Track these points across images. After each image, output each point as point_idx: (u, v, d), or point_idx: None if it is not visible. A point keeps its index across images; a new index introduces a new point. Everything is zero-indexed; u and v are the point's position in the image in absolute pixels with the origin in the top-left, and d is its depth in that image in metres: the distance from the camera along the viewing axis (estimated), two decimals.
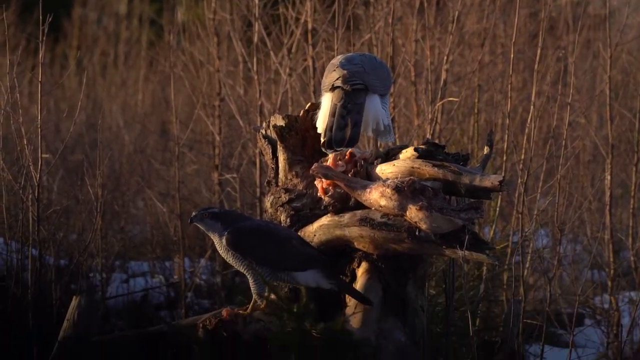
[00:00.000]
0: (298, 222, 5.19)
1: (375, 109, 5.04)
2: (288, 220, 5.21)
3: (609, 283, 7.28)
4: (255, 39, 7.92)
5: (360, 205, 4.97)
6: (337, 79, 5.00)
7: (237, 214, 5.11)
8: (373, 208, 4.90)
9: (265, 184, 5.55)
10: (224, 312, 5.03)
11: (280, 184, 5.29)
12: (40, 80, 6.21)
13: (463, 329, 6.04)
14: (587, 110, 8.92)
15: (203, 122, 8.79)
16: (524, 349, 6.29)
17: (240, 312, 5.01)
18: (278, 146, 5.29)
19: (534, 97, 6.19)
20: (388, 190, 4.80)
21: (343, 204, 5.05)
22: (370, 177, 5.02)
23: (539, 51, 6.24)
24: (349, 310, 4.96)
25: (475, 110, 7.68)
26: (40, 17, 6.20)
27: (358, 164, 5.06)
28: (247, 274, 4.95)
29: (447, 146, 5.07)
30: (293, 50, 7.95)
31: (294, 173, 5.25)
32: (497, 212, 6.86)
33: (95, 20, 16.54)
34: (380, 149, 5.16)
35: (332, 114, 4.98)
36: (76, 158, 10.30)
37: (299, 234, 5.10)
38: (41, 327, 6.05)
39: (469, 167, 4.95)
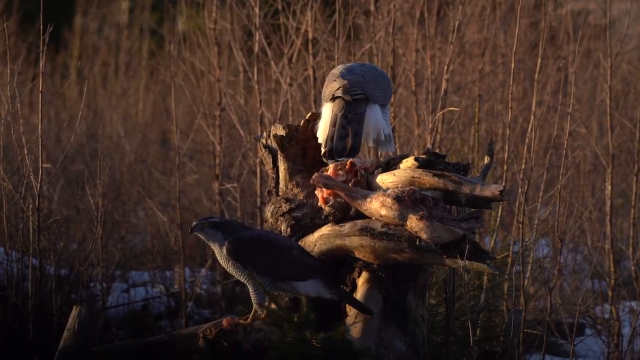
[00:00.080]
0: (298, 232, 5.19)
1: (375, 118, 5.05)
2: (288, 229, 5.21)
3: (610, 293, 7.28)
4: (256, 48, 7.93)
5: (360, 215, 4.97)
6: (338, 89, 5.01)
7: (237, 224, 5.11)
8: (373, 218, 4.90)
9: (265, 193, 5.55)
10: (225, 322, 5.03)
11: (280, 193, 5.29)
12: (41, 89, 6.21)
13: (463, 338, 6.03)
14: (588, 120, 8.92)
15: (204, 131, 8.79)
16: (525, 359, 6.28)
17: (241, 321, 5.00)
18: (279, 156, 5.29)
19: (534, 106, 6.19)
20: (388, 199, 4.80)
21: (343, 213, 5.05)
22: (371, 187, 5.02)
23: (539, 61, 6.25)
24: (349, 320, 4.96)
25: (476, 120, 7.68)
26: (41, 27, 6.21)
27: (358, 173, 5.06)
28: (247, 284, 4.95)
29: (447, 156, 5.07)
30: (294, 59, 7.95)
31: (294, 183, 5.25)
32: (498, 222, 6.86)
33: (96, 30, 16.55)
34: (381, 159, 5.16)
35: (333, 124, 4.98)
36: (77, 168, 10.31)
37: (299, 243, 5.10)
38: (41, 337, 6.05)
39: (469, 176, 4.95)
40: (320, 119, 5.11)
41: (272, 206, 5.30)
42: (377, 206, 4.84)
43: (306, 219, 5.20)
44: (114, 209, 9.27)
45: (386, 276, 5.02)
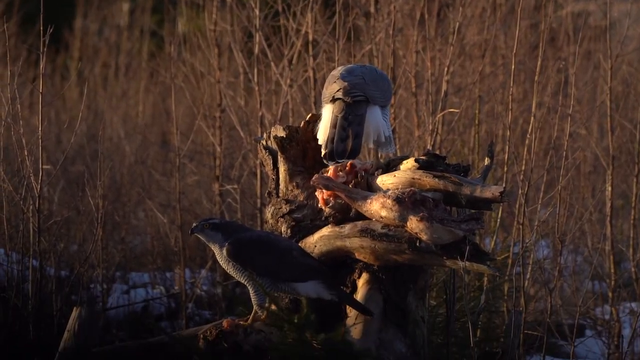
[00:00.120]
0: (299, 233, 5.19)
1: (376, 120, 5.05)
2: (289, 231, 5.21)
3: (610, 294, 7.28)
4: (256, 50, 7.93)
5: (361, 216, 4.97)
6: (338, 91, 5.01)
7: (237, 225, 5.11)
8: (374, 219, 4.90)
9: (266, 194, 5.55)
10: (225, 323, 5.03)
11: (281, 194, 5.29)
12: (41, 91, 6.22)
13: (464, 339, 6.03)
14: (588, 121, 8.92)
15: (204, 133, 8.79)
16: None
17: (241, 322, 5.00)
18: (279, 157, 5.29)
19: (534, 108, 6.19)
20: (389, 201, 4.80)
21: (344, 214, 5.06)
22: (371, 188, 5.02)
23: (539, 62, 6.25)
24: (349, 321, 4.96)
25: (476, 122, 7.68)
26: (42, 29, 6.22)
27: (359, 175, 5.06)
28: (247, 285, 4.95)
29: (447, 157, 5.07)
30: (294, 61, 7.96)
31: (294, 184, 5.25)
32: (498, 223, 6.86)
33: (96, 32, 16.55)
34: (381, 160, 5.16)
35: (334, 126, 4.99)
36: (77, 169, 10.31)
37: (299, 244, 5.10)
38: (42, 338, 6.05)
39: (469, 178, 4.95)
40: (320, 120, 5.11)
41: (273, 207, 5.30)
42: (377, 207, 4.84)
43: (306, 220, 5.20)
44: (114, 210, 9.27)
45: (386, 277, 5.02)
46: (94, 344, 5.29)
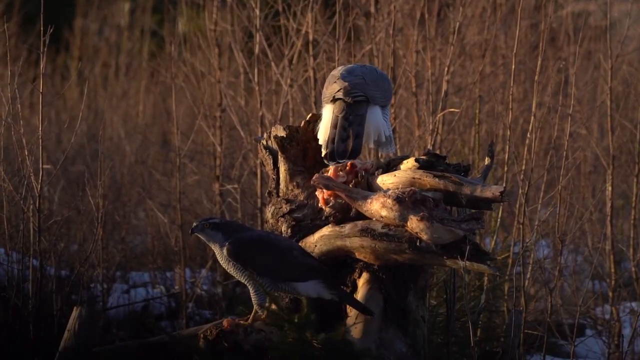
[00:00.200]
0: (299, 233, 5.19)
1: (376, 120, 5.05)
2: (289, 230, 5.21)
3: (610, 294, 7.28)
4: (257, 50, 7.93)
5: (361, 216, 4.98)
6: (338, 91, 5.01)
7: (238, 225, 5.11)
8: (374, 219, 4.90)
9: (266, 194, 5.55)
10: (225, 323, 5.03)
11: (281, 194, 5.29)
12: (41, 91, 6.22)
13: (464, 339, 6.03)
14: (588, 121, 8.92)
15: (204, 132, 8.80)
16: None
17: (241, 322, 5.01)
18: (279, 157, 5.29)
19: (534, 108, 6.19)
20: (389, 200, 4.80)
21: (344, 214, 5.06)
22: (371, 188, 5.03)
23: (539, 62, 6.25)
24: (350, 321, 4.96)
25: (476, 121, 7.68)
26: (42, 28, 6.22)
27: (359, 174, 5.06)
28: (248, 285, 4.96)
29: (448, 157, 5.07)
30: (294, 61, 7.96)
31: (295, 184, 5.25)
32: (498, 223, 6.86)
33: (97, 31, 16.55)
34: (381, 160, 5.16)
35: (334, 126, 4.99)
36: (77, 169, 10.31)
37: (299, 244, 5.10)
38: (42, 338, 6.05)
39: (470, 177, 4.95)
40: (320, 120, 5.12)
41: (273, 207, 5.30)
42: (377, 207, 4.85)
43: (307, 219, 5.20)
44: (114, 210, 9.27)
45: (387, 277, 5.02)
46: (94, 343, 5.29)
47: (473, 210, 4.86)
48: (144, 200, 9.58)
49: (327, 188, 5.02)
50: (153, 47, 14.79)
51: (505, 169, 6.72)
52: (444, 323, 5.93)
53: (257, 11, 7.87)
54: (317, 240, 5.09)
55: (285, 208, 5.23)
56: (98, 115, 12.59)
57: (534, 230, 6.24)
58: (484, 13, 8.73)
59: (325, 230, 5.08)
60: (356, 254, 5.00)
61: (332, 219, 5.07)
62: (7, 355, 6.01)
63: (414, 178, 4.90)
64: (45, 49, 6.21)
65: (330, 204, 5.07)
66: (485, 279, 6.53)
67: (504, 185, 5.03)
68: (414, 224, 4.73)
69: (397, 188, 4.88)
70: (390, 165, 5.14)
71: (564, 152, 5.96)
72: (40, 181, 6.15)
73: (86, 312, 5.30)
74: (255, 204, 8.04)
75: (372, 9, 7.82)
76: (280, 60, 8.06)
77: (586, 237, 7.85)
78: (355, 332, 4.91)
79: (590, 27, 10.53)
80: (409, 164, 5.01)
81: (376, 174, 5.07)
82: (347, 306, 5.02)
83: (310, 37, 7.74)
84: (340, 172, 5.07)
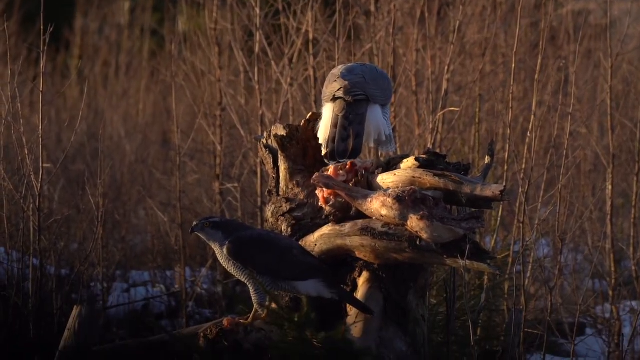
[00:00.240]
0: (299, 232, 5.19)
1: (376, 119, 5.05)
2: (289, 229, 5.21)
3: (610, 292, 7.27)
4: (257, 48, 7.93)
5: (361, 215, 4.97)
6: (339, 90, 5.00)
7: (238, 224, 5.11)
8: (374, 217, 4.90)
9: (266, 193, 5.55)
10: (225, 322, 5.03)
11: (281, 193, 5.29)
12: (41, 90, 6.22)
13: (464, 338, 6.04)
14: (588, 120, 8.92)
15: (204, 131, 8.79)
16: (525, 359, 6.28)
17: (241, 321, 5.00)
18: (279, 156, 5.29)
19: (534, 106, 6.19)
20: (389, 199, 4.80)
21: (344, 213, 5.06)
22: (372, 187, 5.02)
23: (540, 61, 6.25)
24: (350, 320, 4.96)
25: (477, 120, 7.68)
26: (42, 27, 6.22)
27: (359, 173, 5.06)
28: (248, 284, 4.96)
29: (448, 156, 5.07)
30: (294, 60, 7.96)
31: (295, 182, 5.25)
32: (498, 222, 6.86)
33: (97, 30, 16.55)
34: (381, 159, 5.16)
35: (334, 125, 4.99)
36: (77, 168, 10.31)
37: (300, 243, 5.10)
38: (42, 337, 6.05)
39: (470, 176, 4.95)
40: (320, 119, 5.11)
41: (273, 206, 5.30)
42: (377, 206, 4.85)
43: (307, 218, 5.20)
44: (114, 209, 9.27)
45: (387, 276, 5.02)
46: (94, 342, 5.29)
47: (473, 209, 4.86)
48: (144, 199, 9.58)
49: (327, 187, 5.02)
50: (153, 46, 14.79)
51: (506, 167, 6.72)
52: (444, 322, 5.93)
53: (257, 10, 7.87)
54: (317, 239, 5.09)
55: (286, 207, 5.23)
56: (98, 114, 12.60)
57: (534, 229, 6.24)
58: (484, 12, 8.73)
59: (326, 229, 5.08)
60: (356, 252, 5.00)
61: (332, 217, 5.07)
62: (7, 355, 6.01)
63: (414, 177, 4.90)
64: (46, 48, 6.21)
65: (331, 202, 5.07)
66: (486, 277, 6.53)
67: (504, 184, 5.03)
68: (414, 222, 4.73)
69: (397, 187, 4.88)
70: (391, 164, 5.14)
71: (564, 151, 5.96)
72: (40, 180, 6.15)
73: (86, 311, 5.30)
74: (255, 202, 8.04)
75: (372, 8, 7.82)
76: (281, 59, 8.06)
77: (586, 236, 7.86)
78: (356, 331, 4.90)
79: (591, 26, 10.53)
80: (409, 162, 5.01)
81: (376, 173, 5.07)
82: (347, 305, 5.02)
83: (311, 36, 7.74)
84: (341, 171, 5.07)
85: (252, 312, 5.00)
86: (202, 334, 5.02)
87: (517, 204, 6.20)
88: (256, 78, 7.90)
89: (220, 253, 4.94)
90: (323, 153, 5.01)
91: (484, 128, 8.52)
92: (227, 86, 8.53)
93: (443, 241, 4.72)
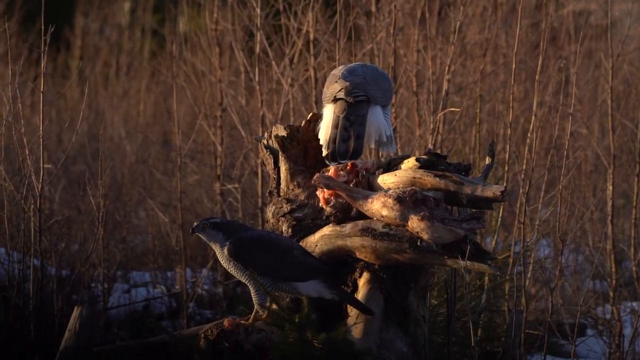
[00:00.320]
0: (300, 232, 5.19)
1: (377, 120, 5.04)
2: (290, 230, 5.21)
3: (611, 293, 7.27)
4: (257, 49, 7.93)
5: (362, 216, 4.97)
6: (340, 91, 5.00)
7: (238, 224, 5.11)
8: (375, 218, 4.90)
9: (267, 194, 5.55)
10: (226, 322, 5.03)
11: (282, 194, 5.29)
12: (42, 90, 6.22)
13: (465, 339, 6.04)
14: (589, 120, 8.92)
15: (205, 132, 8.79)
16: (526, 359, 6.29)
17: (242, 322, 5.00)
18: (280, 156, 5.29)
19: (535, 107, 6.19)
20: (390, 200, 4.80)
21: (345, 214, 5.05)
22: (372, 188, 5.02)
23: (540, 61, 6.25)
24: (350, 321, 4.95)
25: (477, 121, 7.68)
26: (43, 27, 6.22)
27: (360, 174, 5.06)
28: (248, 284, 4.95)
29: (448, 156, 5.06)
30: (295, 60, 7.96)
31: (295, 183, 5.25)
32: (499, 223, 6.86)
33: (98, 31, 16.55)
34: (382, 159, 5.16)
35: (335, 126, 4.98)
36: (78, 168, 10.32)
37: (300, 244, 5.10)
38: (43, 338, 6.05)
39: (470, 177, 4.95)
40: (321, 119, 5.11)
41: (274, 207, 5.30)
42: (378, 207, 4.84)
43: (307, 219, 5.20)
44: (115, 209, 9.27)
45: (387, 277, 5.02)
46: (95, 343, 5.29)
47: (474, 210, 4.86)
48: (145, 199, 9.58)
49: (328, 187, 5.02)
50: (154, 47, 14.78)
51: (506, 168, 6.72)
52: (444, 323, 5.93)
53: (258, 10, 7.87)
54: (318, 240, 5.09)
55: (286, 207, 5.23)
56: (99, 115, 12.60)
57: (535, 230, 6.23)
58: (484, 12, 8.73)
59: (326, 230, 5.08)
60: (357, 253, 5.00)
61: (332, 218, 5.07)
62: (8, 355, 6.01)
63: (414, 177, 4.90)
64: (46, 48, 6.21)
65: (331, 203, 5.07)
66: (486, 278, 6.53)
67: (505, 184, 5.03)
68: (414, 223, 4.73)
69: (398, 187, 4.88)
70: (391, 165, 5.14)
71: (565, 152, 5.96)
72: (41, 181, 6.14)
73: (87, 311, 5.30)
74: (256, 203, 8.04)
75: (373, 8, 7.82)
76: (281, 59, 8.06)
77: (587, 237, 7.85)
78: (356, 331, 4.90)
79: (591, 26, 10.53)
80: (409, 163, 5.01)
81: (377, 174, 5.06)
82: (348, 306, 5.02)
83: (311, 37, 7.73)
84: (341, 172, 5.07)
85: (253, 313, 5.00)
86: (202, 335, 5.02)
87: (518, 205, 6.20)
88: (257, 78, 7.90)
89: (221, 254, 4.94)
90: (324, 154, 5.01)
91: (485, 128, 8.51)
92: (227, 87, 8.53)
93: (444, 242, 4.72)
